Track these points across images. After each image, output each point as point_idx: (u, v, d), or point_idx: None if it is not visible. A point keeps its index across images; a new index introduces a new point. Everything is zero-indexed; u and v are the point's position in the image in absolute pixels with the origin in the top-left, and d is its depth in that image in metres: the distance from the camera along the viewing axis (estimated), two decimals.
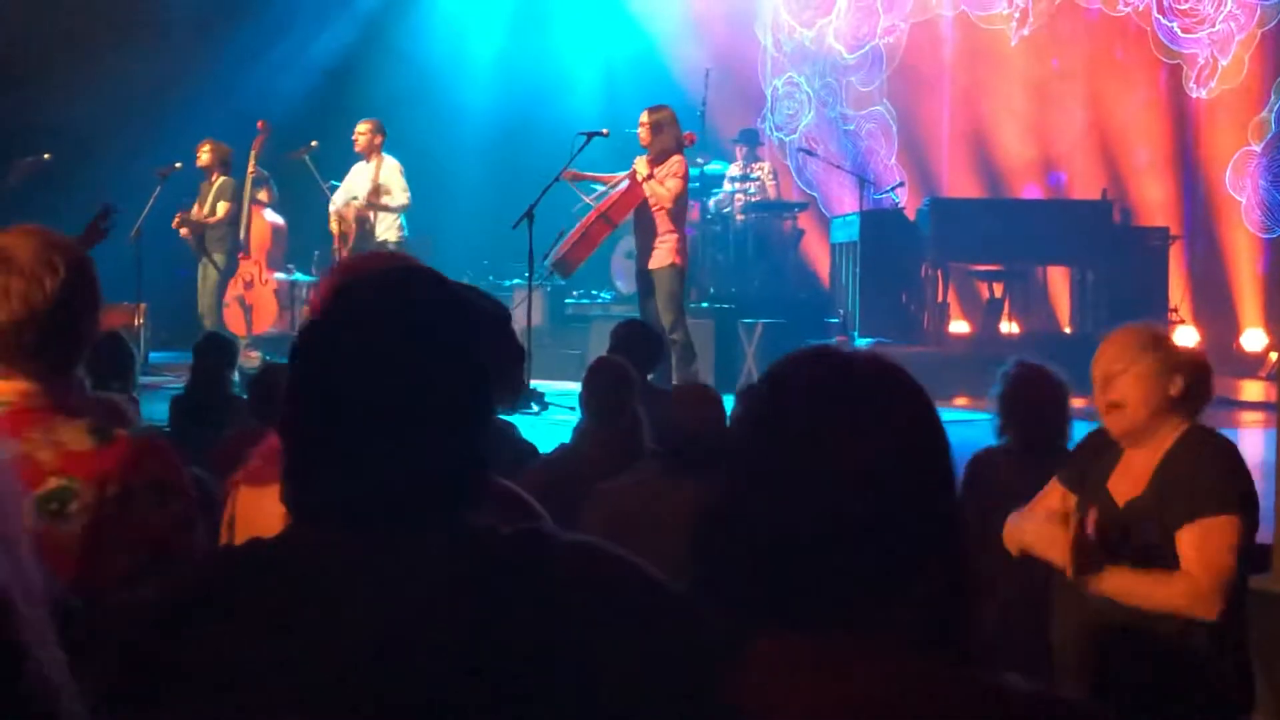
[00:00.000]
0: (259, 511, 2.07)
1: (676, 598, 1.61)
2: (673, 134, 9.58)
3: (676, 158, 9.54)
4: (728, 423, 4.32)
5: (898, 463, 1.53)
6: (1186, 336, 11.87)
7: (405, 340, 1.62)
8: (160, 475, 2.40)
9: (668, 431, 4.40)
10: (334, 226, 11.27)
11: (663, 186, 9.40)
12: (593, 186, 10.16)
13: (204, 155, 11.59)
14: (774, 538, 1.51)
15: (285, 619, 1.55)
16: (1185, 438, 3.50)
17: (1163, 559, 3.41)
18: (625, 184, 9.63)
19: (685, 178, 9.67)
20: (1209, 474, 3.45)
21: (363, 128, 11.36)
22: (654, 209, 9.45)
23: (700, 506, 1.62)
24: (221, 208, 11.49)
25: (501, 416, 6.87)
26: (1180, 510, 3.40)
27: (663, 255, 9.47)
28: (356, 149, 11.34)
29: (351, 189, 11.31)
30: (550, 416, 9.02)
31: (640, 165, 9.56)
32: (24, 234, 2.57)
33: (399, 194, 11.19)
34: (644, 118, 9.68)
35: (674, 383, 8.40)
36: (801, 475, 1.52)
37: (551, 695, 1.51)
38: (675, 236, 9.48)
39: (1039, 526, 3.59)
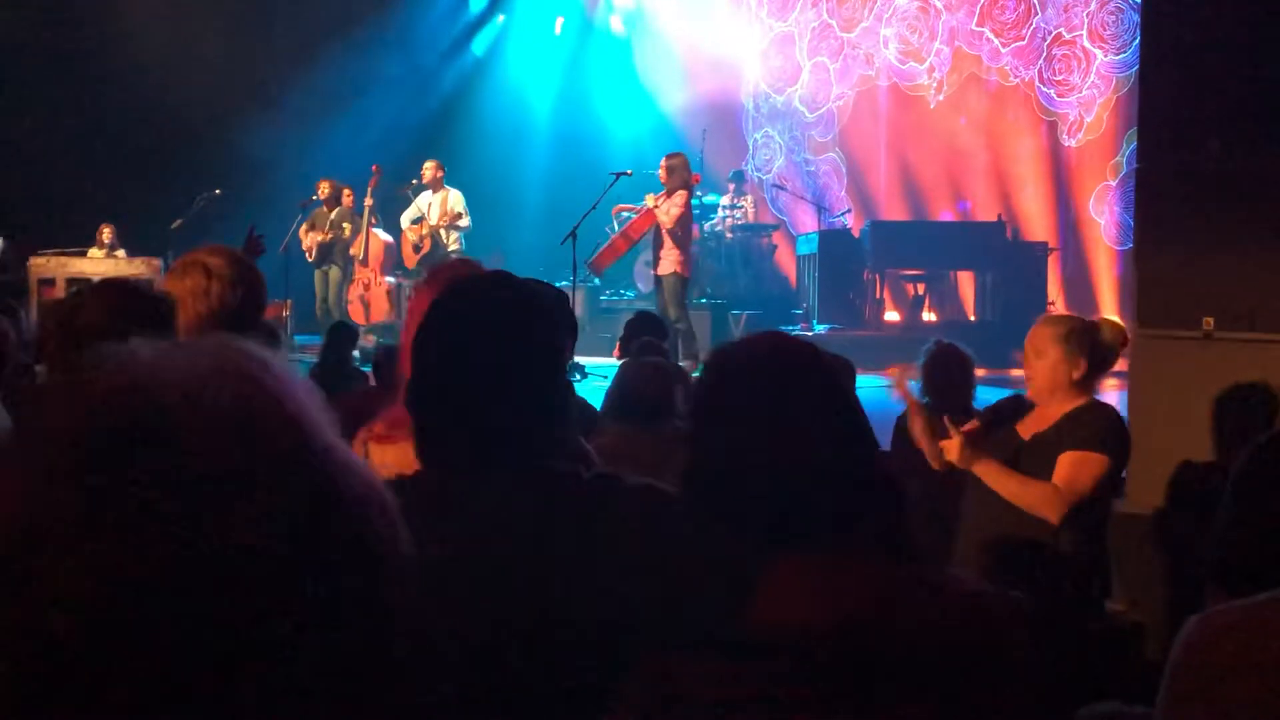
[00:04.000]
0: (382, 463, 2.10)
1: (708, 524, 1.55)
2: (682, 176, 9.54)
3: (681, 193, 9.49)
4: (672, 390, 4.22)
5: (820, 424, 1.46)
6: None
7: (491, 332, 1.60)
8: None
9: (625, 397, 4.21)
10: (414, 240, 11.23)
11: (666, 214, 9.38)
12: (624, 215, 10.20)
13: (323, 191, 11.52)
14: (745, 484, 1.44)
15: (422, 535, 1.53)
16: (1085, 404, 3.50)
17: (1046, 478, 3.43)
18: (642, 211, 9.64)
19: (685, 207, 9.59)
20: (1093, 424, 3.46)
21: (429, 165, 11.27)
22: (663, 230, 9.40)
23: (685, 461, 1.52)
24: (346, 229, 11.47)
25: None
26: (1067, 442, 3.42)
27: (668, 265, 9.45)
28: (424, 181, 11.24)
29: (419, 212, 11.24)
30: (589, 384, 8.98)
31: (649, 199, 9.59)
32: (217, 252, 2.63)
33: (465, 216, 11.13)
34: (664, 162, 9.65)
35: (680, 360, 8.34)
36: (746, 438, 1.45)
37: (612, 596, 1.49)
38: (678, 252, 9.45)
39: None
